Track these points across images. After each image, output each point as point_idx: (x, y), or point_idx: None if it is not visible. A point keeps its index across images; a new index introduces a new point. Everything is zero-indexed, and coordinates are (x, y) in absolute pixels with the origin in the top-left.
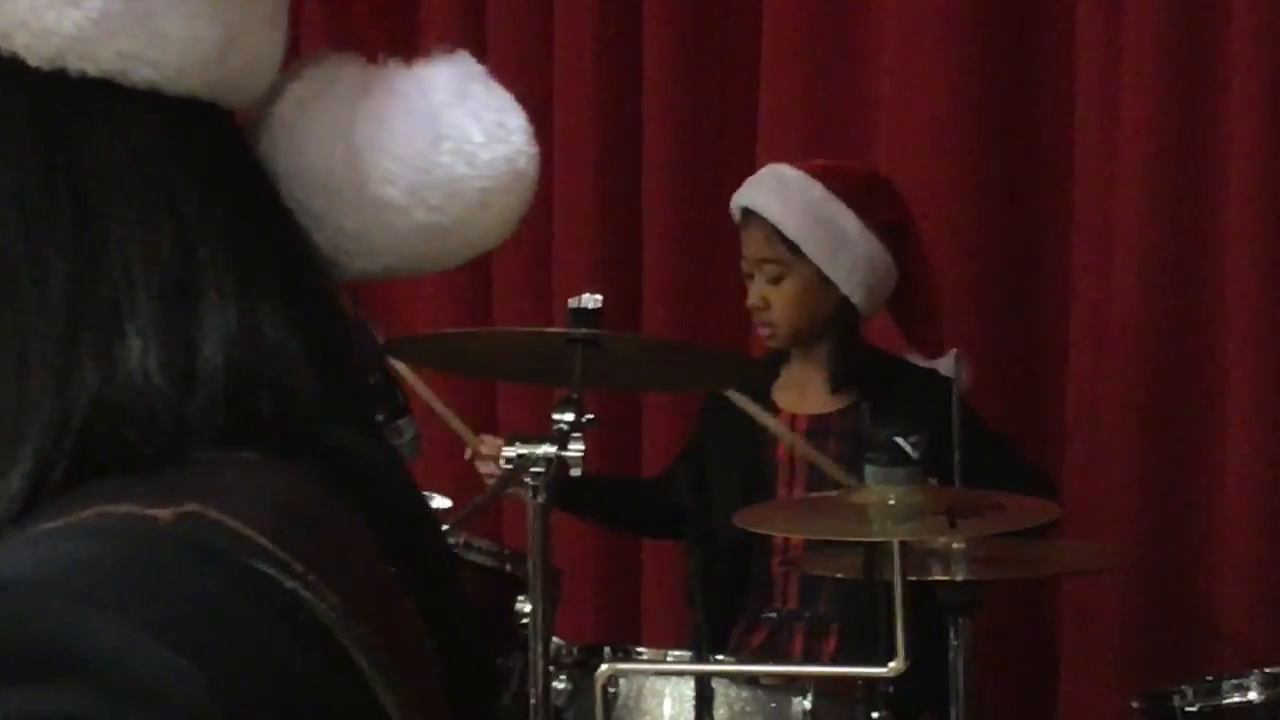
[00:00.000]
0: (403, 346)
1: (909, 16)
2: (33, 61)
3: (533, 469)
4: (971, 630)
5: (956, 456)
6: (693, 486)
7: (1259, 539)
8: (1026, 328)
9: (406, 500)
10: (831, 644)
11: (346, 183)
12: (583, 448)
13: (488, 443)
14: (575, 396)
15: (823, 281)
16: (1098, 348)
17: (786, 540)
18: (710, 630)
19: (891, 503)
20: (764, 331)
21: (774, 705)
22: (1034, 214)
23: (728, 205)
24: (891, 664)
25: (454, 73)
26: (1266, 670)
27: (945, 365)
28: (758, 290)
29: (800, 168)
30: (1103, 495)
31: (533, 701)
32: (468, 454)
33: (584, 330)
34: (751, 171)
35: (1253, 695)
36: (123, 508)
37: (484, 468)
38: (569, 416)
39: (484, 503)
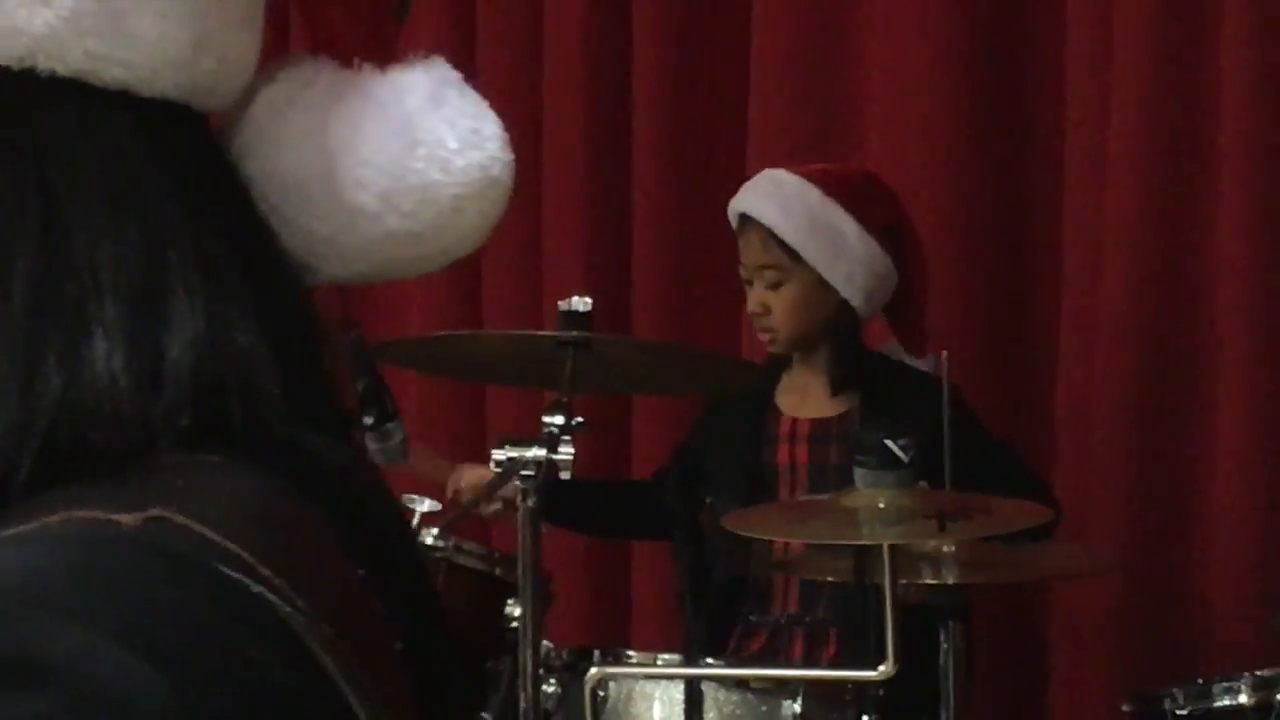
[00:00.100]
0: (393, 349)
1: (899, 18)
2: (1, 60)
3: (522, 472)
4: (962, 634)
5: (946, 458)
6: (682, 488)
7: (1249, 541)
8: (1016, 328)
9: (375, 501)
10: (831, 650)
11: (319, 187)
12: (572, 451)
13: (467, 474)
14: (565, 399)
15: (822, 286)
16: (1087, 349)
17: (786, 545)
18: (709, 635)
19: (881, 506)
20: (764, 337)
21: (764, 709)
22: (1023, 215)
23: (719, 207)
24: (881, 667)
25: (429, 78)
26: (1257, 673)
27: (929, 365)
28: (757, 296)
29: (797, 172)
30: (1092, 497)
31: (522, 705)
32: (448, 492)
33: (574, 333)
34: (742, 173)
35: (1243, 698)
36: (89, 513)
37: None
38: (559, 419)
39: (473, 506)
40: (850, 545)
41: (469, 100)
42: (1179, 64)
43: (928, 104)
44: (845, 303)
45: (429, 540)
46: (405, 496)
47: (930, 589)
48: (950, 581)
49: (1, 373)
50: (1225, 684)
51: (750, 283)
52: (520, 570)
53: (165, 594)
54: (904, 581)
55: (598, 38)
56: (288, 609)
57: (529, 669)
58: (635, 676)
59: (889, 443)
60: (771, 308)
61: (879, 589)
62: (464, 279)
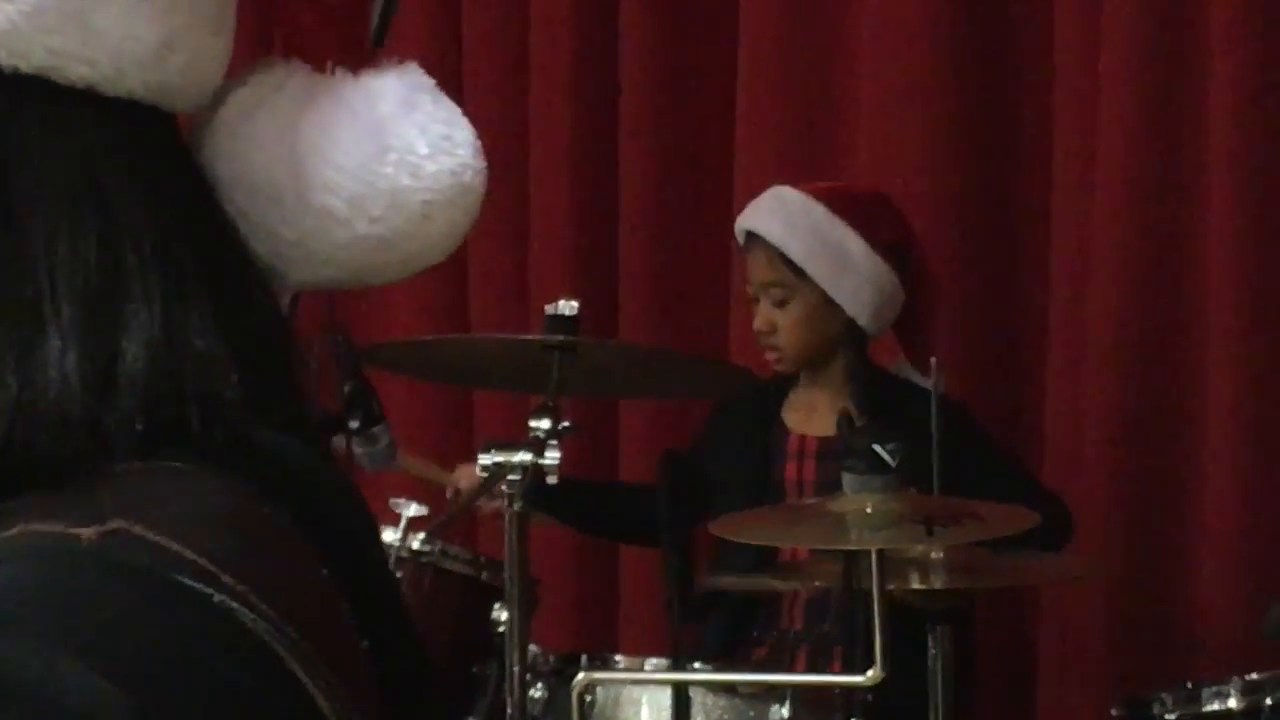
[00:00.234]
0: (379, 353)
1: (887, 26)
2: None
3: (509, 476)
4: (951, 639)
5: (935, 460)
6: (672, 497)
7: (1238, 546)
8: (1005, 338)
9: (340, 502)
10: (835, 666)
11: (288, 191)
12: (559, 455)
13: (469, 472)
14: (552, 403)
15: (828, 304)
16: (1077, 359)
17: (794, 553)
18: (719, 649)
19: (869, 511)
20: (771, 355)
21: (752, 714)
22: (1012, 225)
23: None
24: (870, 672)
25: (402, 84)
26: (1246, 678)
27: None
28: (763, 314)
29: (802, 189)
30: (1081, 503)
31: (509, 710)
32: (449, 493)
33: (561, 337)
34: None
35: (1232, 703)
36: (46, 526)
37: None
38: (546, 423)
39: (460, 509)
40: (840, 550)
41: (442, 106)
42: (1167, 71)
43: (916, 111)
44: (852, 321)
45: (415, 545)
46: (392, 500)
47: (934, 594)
48: (938, 587)
49: None
50: (1214, 688)
51: (756, 300)
52: (507, 575)
53: (126, 610)
54: (915, 587)
55: (584, 44)
56: (251, 616)
57: (516, 674)
58: (623, 681)
59: (877, 447)
60: (778, 325)
61: (868, 594)
62: (451, 283)
